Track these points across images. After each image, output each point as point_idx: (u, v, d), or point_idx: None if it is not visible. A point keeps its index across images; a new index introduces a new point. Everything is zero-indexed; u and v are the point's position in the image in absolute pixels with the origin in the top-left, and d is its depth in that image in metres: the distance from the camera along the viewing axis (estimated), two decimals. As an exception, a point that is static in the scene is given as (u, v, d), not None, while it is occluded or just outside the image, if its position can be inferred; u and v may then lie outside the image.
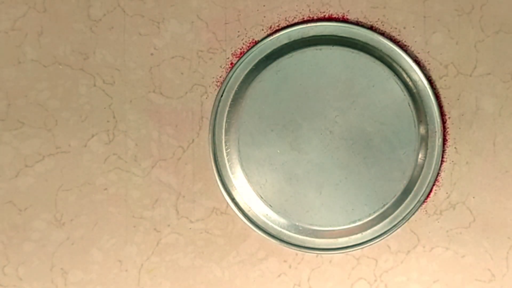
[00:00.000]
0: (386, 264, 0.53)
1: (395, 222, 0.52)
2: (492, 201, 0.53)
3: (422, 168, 0.53)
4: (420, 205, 0.53)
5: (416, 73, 0.52)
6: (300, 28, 0.51)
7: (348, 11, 0.52)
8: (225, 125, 0.51)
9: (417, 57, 0.53)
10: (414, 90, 0.52)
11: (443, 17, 0.52)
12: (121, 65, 0.51)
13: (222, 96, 0.51)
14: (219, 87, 0.51)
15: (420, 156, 0.52)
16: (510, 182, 0.53)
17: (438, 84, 0.53)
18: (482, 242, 0.54)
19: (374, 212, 0.52)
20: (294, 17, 0.52)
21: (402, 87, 0.51)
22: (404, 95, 0.52)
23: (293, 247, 0.52)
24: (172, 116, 0.51)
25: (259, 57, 0.51)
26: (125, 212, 0.51)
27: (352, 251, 0.52)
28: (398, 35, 0.52)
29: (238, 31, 0.52)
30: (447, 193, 0.53)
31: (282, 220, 0.51)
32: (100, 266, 0.51)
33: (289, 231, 0.52)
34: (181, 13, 0.51)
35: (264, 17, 0.52)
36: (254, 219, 0.52)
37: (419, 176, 0.53)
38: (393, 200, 0.52)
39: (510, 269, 0.54)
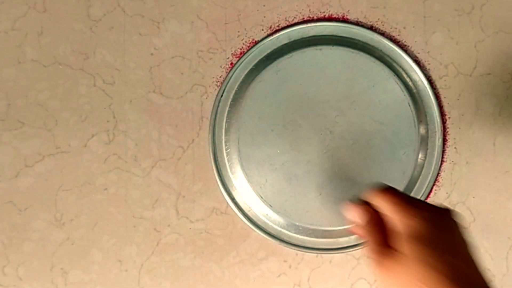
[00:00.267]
0: (386, 264, 0.53)
1: (395, 222, 0.52)
2: (492, 201, 0.53)
3: (422, 168, 0.53)
4: (420, 205, 0.53)
5: (416, 73, 0.52)
6: (300, 28, 0.51)
7: (348, 11, 0.52)
8: (225, 125, 0.51)
9: (417, 57, 0.53)
10: (414, 90, 0.52)
11: (443, 17, 0.52)
12: (121, 65, 0.51)
13: (222, 96, 0.51)
14: (219, 87, 0.51)
15: (420, 156, 0.52)
16: (510, 182, 0.53)
17: (438, 84, 0.53)
18: (482, 242, 0.54)
19: (374, 212, 0.52)
20: (294, 17, 0.52)
21: (402, 87, 0.51)
22: (404, 95, 0.51)
23: (293, 247, 0.52)
24: (172, 116, 0.51)
25: (259, 57, 0.51)
26: (125, 212, 0.51)
27: (352, 251, 0.52)
28: (398, 35, 0.52)
29: (238, 31, 0.52)
30: (447, 193, 0.53)
31: (282, 220, 0.51)
32: (100, 266, 0.51)
33: (289, 231, 0.52)
34: (181, 13, 0.51)
35: (264, 17, 0.52)
36: (254, 219, 0.52)
37: (419, 176, 0.53)
38: (393, 200, 0.52)
39: (510, 269, 0.54)
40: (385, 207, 0.38)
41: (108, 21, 0.51)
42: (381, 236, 0.38)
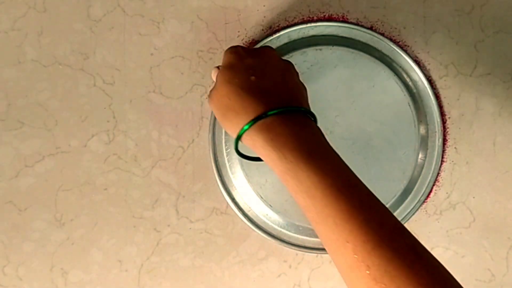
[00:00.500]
0: (386, 264, 0.53)
1: (395, 222, 0.52)
2: (492, 201, 0.53)
3: (422, 168, 0.53)
4: (420, 205, 0.53)
5: (416, 73, 0.52)
6: (300, 28, 0.51)
7: (348, 11, 0.52)
8: (225, 125, 0.51)
9: (417, 57, 0.53)
10: (414, 90, 0.52)
11: (443, 17, 0.52)
12: (121, 65, 0.51)
13: (222, 96, 0.51)
14: (219, 87, 0.51)
15: (420, 156, 0.52)
16: (510, 182, 0.53)
17: (438, 84, 0.53)
18: (482, 242, 0.54)
19: (374, 212, 0.52)
20: (294, 17, 0.52)
21: (402, 87, 0.51)
22: (404, 95, 0.51)
23: (293, 247, 0.52)
24: (172, 116, 0.51)
25: (259, 57, 0.51)
26: (125, 212, 0.51)
27: (352, 251, 0.52)
28: (398, 35, 0.52)
29: (238, 31, 0.52)
30: (447, 193, 0.53)
31: (282, 220, 0.51)
32: (100, 266, 0.51)
33: (289, 231, 0.52)
34: (181, 13, 0.51)
35: (264, 17, 0.52)
36: (254, 219, 0.52)
37: (419, 176, 0.53)
38: (393, 200, 0.52)
39: (510, 269, 0.54)
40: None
41: (108, 21, 0.51)
42: None
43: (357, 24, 0.52)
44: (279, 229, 0.52)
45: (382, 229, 0.33)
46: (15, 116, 0.50)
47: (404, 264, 0.32)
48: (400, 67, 0.52)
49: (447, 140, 0.53)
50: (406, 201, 0.52)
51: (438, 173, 0.53)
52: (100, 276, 0.51)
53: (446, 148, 0.53)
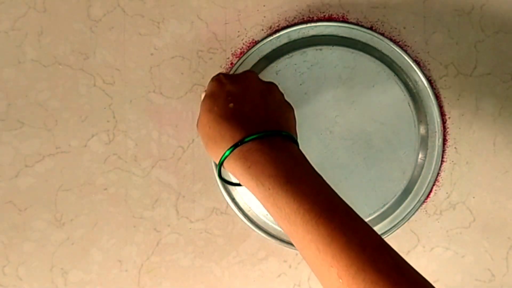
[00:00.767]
0: (386, 264, 0.53)
1: (395, 222, 0.52)
2: (492, 201, 0.53)
3: (422, 168, 0.53)
4: (420, 205, 0.53)
5: (416, 73, 0.52)
6: (300, 28, 0.51)
7: (348, 11, 0.52)
8: (225, 125, 0.51)
9: (417, 57, 0.53)
10: (414, 90, 0.52)
11: (443, 17, 0.52)
12: (121, 65, 0.51)
13: (222, 96, 0.51)
14: (219, 87, 0.51)
15: (420, 156, 0.52)
16: (510, 182, 0.53)
17: (438, 84, 0.53)
18: (482, 242, 0.54)
19: (374, 212, 0.52)
20: (294, 17, 0.52)
21: (402, 87, 0.51)
22: (404, 95, 0.51)
23: (293, 247, 0.52)
24: (172, 116, 0.51)
25: (259, 57, 0.51)
26: (125, 212, 0.51)
27: (352, 251, 0.52)
28: (398, 35, 0.52)
29: (238, 31, 0.52)
30: (447, 193, 0.53)
31: (282, 220, 0.51)
32: (100, 266, 0.51)
33: (289, 231, 0.52)
34: (181, 13, 0.51)
35: (264, 17, 0.52)
36: (254, 219, 0.52)
37: (419, 176, 0.53)
38: (393, 200, 0.52)
39: (510, 269, 0.54)
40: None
41: (108, 21, 0.51)
42: None
43: (357, 24, 0.52)
44: (279, 229, 0.52)
45: (364, 251, 0.33)
46: (15, 116, 0.50)
47: (388, 285, 0.32)
48: (400, 67, 0.52)
49: (447, 140, 0.53)
50: (406, 201, 0.52)
51: (438, 173, 0.53)
52: (100, 276, 0.51)
53: (446, 148, 0.53)
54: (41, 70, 0.50)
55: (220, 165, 0.40)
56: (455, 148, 0.53)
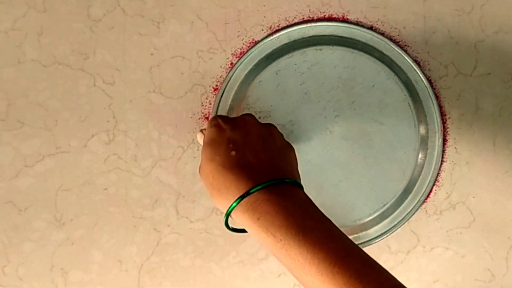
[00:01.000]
0: (386, 264, 0.53)
1: (395, 222, 0.52)
2: (492, 201, 0.53)
3: (422, 168, 0.53)
4: (420, 205, 0.53)
5: (417, 73, 0.52)
6: (300, 28, 0.51)
7: (348, 11, 0.52)
8: (225, 125, 0.51)
9: (417, 57, 0.53)
10: (414, 90, 0.52)
11: (443, 17, 0.52)
12: (121, 65, 0.51)
13: (222, 96, 0.51)
14: (219, 87, 0.51)
15: (420, 156, 0.52)
16: (510, 182, 0.53)
17: (438, 84, 0.53)
18: (482, 242, 0.54)
19: (374, 212, 0.52)
20: (294, 17, 0.52)
21: (402, 87, 0.51)
22: (404, 95, 0.51)
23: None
24: (172, 116, 0.51)
25: (259, 57, 0.51)
26: (125, 212, 0.51)
27: (352, 251, 0.52)
28: (398, 35, 0.52)
29: (238, 31, 0.52)
30: (447, 193, 0.53)
31: (282, 220, 0.51)
32: (100, 266, 0.51)
33: (289, 231, 0.52)
34: (181, 13, 0.51)
35: (264, 17, 0.52)
36: (254, 219, 0.52)
37: (419, 176, 0.53)
38: (393, 200, 0.52)
39: (510, 269, 0.54)
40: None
41: (108, 21, 0.51)
42: None
43: (357, 24, 0.52)
44: (279, 229, 0.52)
45: None
46: (15, 116, 0.50)
47: None
48: (400, 67, 0.52)
49: (447, 140, 0.53)
50: (406, 201, 0.52)
51: (438, 173, 0.53)
52: (100, 276, 0.51)
53: (446, 148, 0.53)
54: (41, 70, 0.50)
55: (227, 216, 0.39)
56: (455, 148, 0.53)
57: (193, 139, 0.52)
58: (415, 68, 0.52)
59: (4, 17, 0.50)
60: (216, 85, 0.52)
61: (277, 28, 0.52)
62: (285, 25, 0.52)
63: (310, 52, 0.51)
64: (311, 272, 0.34)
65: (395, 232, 0.53)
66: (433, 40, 0.53)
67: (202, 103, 0.52)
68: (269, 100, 0.51)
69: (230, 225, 0.41)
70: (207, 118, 0.52)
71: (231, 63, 0.52)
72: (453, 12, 0.52)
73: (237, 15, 0.51)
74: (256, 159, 0.40)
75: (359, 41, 0.52)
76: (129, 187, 0.51)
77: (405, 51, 0.52)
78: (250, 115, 0.45)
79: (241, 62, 0.51)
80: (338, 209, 0.51)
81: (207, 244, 0.52)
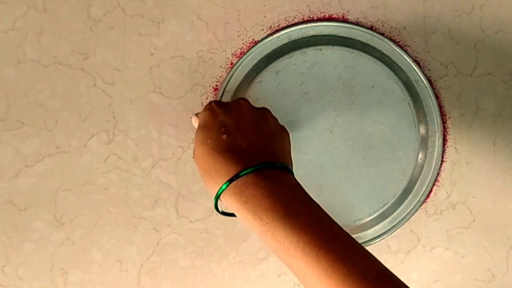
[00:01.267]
0: (386, 264, 0.53)
1: (395, 222, 0.52)
2: (492, 201, 0.53)
3: (422, 168, 0.53)
4: (420, 205, 0.53)
5: (417, 73, 0.52)
6: (300, 28, 0.51)
7: (348, 11, 0.52)
8: (225, 125, 0.51)
9: (417, 57, 0.53)
10: (414, 90, 0.52)
11: (443, 17, 0.52)
12: (121, 65, 0.51)
13: (222, 96, 0.51)
14: (219, 87, 0.51)
15: (420, 156, 0.52)
16: (510, 182, 0.53)
17: (438, 84, 0.53)
18: (482, 242, 0.54)
19: (374, 212, 0.52)
20: (294, 17, 0.52)
21: (402, 87, 0.51)
22: (404, 95, 0.51)
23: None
24: (172, 116, 0.51)
25: (259, 57, 0.51)
26: (125, 212, 0.51)
27: (352, 251, 0.52)
28: (398, 35, 0.52)
29: (238, 31, 0.52)
30: (447, 193, 0.53)
31: (282, 220, 0.51)
32: (100, 266, 0.51)
33: (289, 231, 0.52)
34: (181, 13, 0.51)
35: (264, 17, 0.52)
36: (254, 219, 0.52)
37: (419, 176, 0.53)
38: (393, 200, 0.52)
39: (510, 269, 0.54)
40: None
41: (108, 21, 0.51)
42: None
43: (357, 24, 0.52)
44: (279, 229, 0.52)
45: (365, 280, 0.33)
46: (15, 116, 0.50)
47: None
48: (400, 67, 0.52)
49: (447, 140, 0.53)
50: (406, 201, 0.52)
51: (438, 173, 0.53)
52: (100, 276, 0.51)
53: (446, 148, 0.53)
54: (41, 70, 0.50)
55: (216, 199, 0.39)
56: (455, 148, 0.53)
57: (193, 139, 0.52)
58: (415, 68, 0.52)
59: (4, 17, 0.50)
60: (216, 85, 0.52)
61: (277, 28, 0.52)
62: (285, 25, 0.52)
63: (310, 52, 0.51)
64: (296, 255, 0.34)
65: (395, 232, 0.53)
66: (433, 40, 0.53)
67: (202, 103, 0.52)
68: (269, 100, 0.51)
69: (220, 208, 0.41)
70: (207, 118, 0.52)
71: (231, 63, 0.52)
72: (453, 12, 0.52)
73: (237, 15, 0.51)
74: (247, 142, 0.40)
75: (359, 41, 0.52)
76: (129, 187, 0.51)
77: (405, 51, 0.52)
78: (244, 99, 0.44)
79: (241, 62, 0.51)
80: (338, 209, 0.52)
81: (207, 244, 0.52)
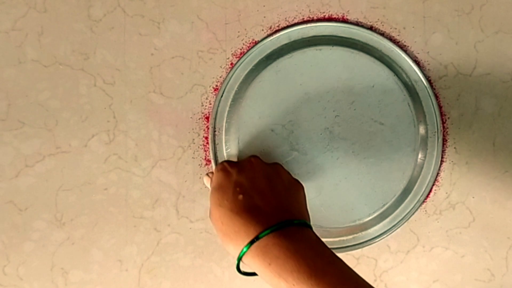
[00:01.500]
0: (386, 264, 0.53)
1: (395, 222, 0.53)
2: (491, 201, 0.53)
3: (422, 168, 0.53)
4: (420, 205, 0.53)
5: (416, 73, 0.52)
6: (300, 28, 0.51)
7: (348, 11, 0.52)
8: (225, 125, 0.51)
9: (417, 57, 0.53)
10: (414, 90, 0.52)
11: (443, 17, 0.53)
12: (121, 65, 0.51)
13: (222, 96, 0.51)
14: (219, 87, 0.52)
15: (419, 156, 0.52)
16: (510, 182, 0.53)
17: (438, 84, 0.53)
18: (482, 242, 0.54)
19: (374, 212, 0.52)
20: (294, 17, 0.52)
21: (402, 87, 0.51)
22: (404, 95, 0.52)
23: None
24: (172, 116, 0.51)
25: (259, 57, 0.51)
26: (125, 212, 0.51)
27: (352, 250, 0.53)
28: (398, 35, 0.53)
29: (238, 31, 0.52)
30: (447, 193, 0.53)
31: (282, 220, 0.51)
32: (100, 266, 0.51)
33: (289, 231, 0.52)
34: (181, 13, 0.51)
35: (264, 17, 0.52)
36: (254, 219, 0.52)
37: (419, 176, 0.53)
38: (393, 200, 0.52)
39: (510, 269, 0.54)
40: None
41: (108, 21, 0.51)
42: None
43: (357, 24, 0.52)
44: (279, 229, 0.52)
45: None
46: (15, 116, 0.50)
47: None
48: (400, 67, 0.52)
49: (446, 140, 0.53)
50: (406, 201, 0.53)
51: (438, 173, 0.53)
52: (100, 276, 0.51)
53: (446, 148, 0.53)
54: (42, 70, 0.50)
55: (238, 261, 0.39)
56: (454, 148, 0.53)
57: (193, 139, 0.52)
58: (415, 68, 0.52)
59: (4, 17, 0.50)
60: (216, 85, 0.52)
61: (277, 28, 0.52)
62: (285, 25, 0.52)
63: (310, 52, 0.51)
64: None
65: (395, 232, 0.53)
66: (433, 40, 0.53)
67: (202, 103, 0.52)
68: (269, 100, 0.51)
69: (242, 269, 0.41)
70: (207, 118, 0.52)
71: (231, 63, 0.52)
72: (453, 12, 0.53)
73: (237, 15, 0.51)
74: (264, 201, 0.40)
75: (359, 41, 0.52)
76: (129, 187, 0.51)
77: (405, 51, 0.52)
78: (255, 157, 0.45)
79: (241, 62, 0.51)
80: (338, 209, 0.52)
81: (207, 244, 0.52)
